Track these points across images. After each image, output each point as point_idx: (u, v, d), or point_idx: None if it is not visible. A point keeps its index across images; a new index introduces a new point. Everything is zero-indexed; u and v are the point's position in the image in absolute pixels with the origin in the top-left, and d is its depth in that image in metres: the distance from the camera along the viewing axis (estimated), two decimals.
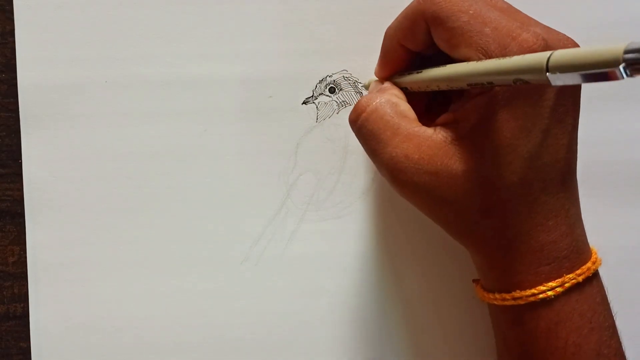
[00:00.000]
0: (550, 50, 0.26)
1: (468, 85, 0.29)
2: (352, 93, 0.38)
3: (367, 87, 0.38)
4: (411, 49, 0.33)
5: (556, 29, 0.31)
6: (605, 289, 0.33)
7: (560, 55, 0.25)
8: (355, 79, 0.38)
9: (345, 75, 0.38)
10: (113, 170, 0.38)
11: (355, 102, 0.38)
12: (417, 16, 0.31)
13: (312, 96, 0.38)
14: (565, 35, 0.31)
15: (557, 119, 0.30)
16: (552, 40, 0.29)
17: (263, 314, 0.39)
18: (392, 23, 0.33)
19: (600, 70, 0.23)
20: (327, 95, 0.38)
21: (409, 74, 0.33)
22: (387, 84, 0.34)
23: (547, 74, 0.25)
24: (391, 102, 0.32)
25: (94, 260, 0.39)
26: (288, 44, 0.38)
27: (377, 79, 0.36)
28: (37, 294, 0.39)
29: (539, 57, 0.25)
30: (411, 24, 0.31)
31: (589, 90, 0.39)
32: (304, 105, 0.38)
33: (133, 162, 0.38)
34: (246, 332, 0.39)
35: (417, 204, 0.32)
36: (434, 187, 0.30)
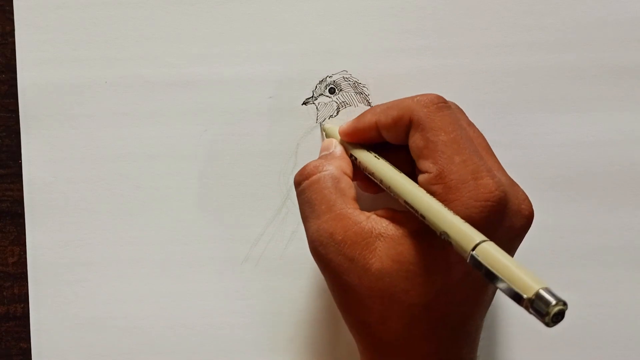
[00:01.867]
0: (504, 202, 0.29)
1: (405, 204, 0.30)
2: (352, 94, 0.38)
3: (326, 132, 0.38)
4: (383, 135, 0.33)
5: (519, 185, 0.32)
6: None
7: (489, 252, 0.26)
8: (355, 79, 0.38)
9: (345, 75, 0.38)
10: (113, 170, 0.38)
11: (355, 103, 0.38)
12: (405, 111, 0.31)
13: (312, 97, 0.38)
14: (525, 195, 0.31)
15: (463, 285, 0.30)
16: (511, 195, 0.30)
17: (263, 314, 0.39)
18: (382, 105, 0.33)
19: (512, 292, 0.25)
20: (327, 96, 0.38)
21: (367, 150, 0.34)
22: (339, 152, 0.35)
23: (470, 253, 0.26)
24: (334, 176, 0.32)
25: (94, 261, 0.39)
26: (288, 45, 0.38)
27: (336, 131, 0.36)
28: (37, 295, 0.39)
29: (470, 236, 0.27)
30: (396, 115, 0.32)
31: (588, 90, 0.39)
32: (304, 105, 0.38)
33: (133, 162, 0.38)
34: (246, 332, 0.39)
35: (327, 278, 0.32)
36: (346, 271, 0.30)
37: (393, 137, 0.32)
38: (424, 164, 0.30)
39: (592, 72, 0.39)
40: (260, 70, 0.38)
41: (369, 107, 0.38)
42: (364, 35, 0.38)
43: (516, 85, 0.39)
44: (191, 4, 0.38)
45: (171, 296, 0.39)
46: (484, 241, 0.27)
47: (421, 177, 0.30)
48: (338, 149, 0.35)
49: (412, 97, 0.32)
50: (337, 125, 0.37)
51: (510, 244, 0.31)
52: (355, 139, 0.35)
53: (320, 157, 0.35)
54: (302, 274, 0.39)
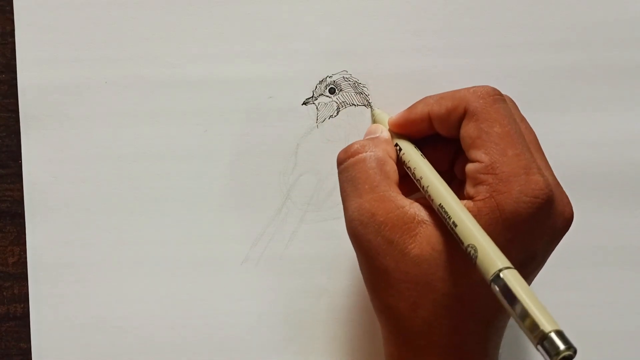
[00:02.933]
0: (552, 201, 0.29)
1: (438, 208, 0.30)
2: (352, 94, 0.38)
3: (375, 117, 0.38)
4: (434, 126, 0.33)
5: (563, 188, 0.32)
6: None
7: (511, 279, 0.26)
8: (355, 79, 0.38)
9: (345, 75, 0.38)
10: (113, 170, 0.38)
11: (355, 103, 0.38)
12: (460, 102, 0.31)
13: (312, 97, 0.38)
14: (568, 198, 0.32)
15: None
16: (557, 196, 0.30)
17: (263, 314, 0.39)
18: (434, 96, 0.33)
19: (526, 326, 0.25)
20: (327, 96, 0.38)
21: (413, 146, 0.34)
22: (386, 137, 0.34)
23: (496, 274, 0.26)
24: (380, 158, 0.32)
25: (94, 261, 0.39)
26: (288, 45, 0.38)
27: (385, 119, 0.36)
28: (37, 295, 0.39)
29: (490, 263, 0.27)
30: (451, 106, 0.32)
31: (588, 90, 0.39)
32: (304, 105, 0.38)
33: (133, 162, 0.38)
34: (246, 332, 0.39)
35: (362, 259, 0.32)
36: (383, 253, 0.30)
37: (445, 127, 0.32)
38: (476, 154, 0.30)
39: (592, 72, 0.39)
40: (260, 70, 0.38)
41: (369, 107, 0.38)
42: (364, 35, 0.38)
43: (516, 85, 0.39)
44: (191, 4, 0.38)
45: (171, 296, 0.39)
46: (509, 268, 0.26)
47: (471, 166, 0.30)
48: (385, 134, 0.35)
49: (468, 89, 0.32)
50: (386, 114, 0.36)
51: (549, 245, 0.31)
52: (405, 130, 0.34)
53: (365, 139, 0.34)
54: (302, 274, 0.39)
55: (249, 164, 0.39)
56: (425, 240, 0.30)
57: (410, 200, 0.31)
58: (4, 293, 0.39)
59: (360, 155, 0.32)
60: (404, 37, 0.38)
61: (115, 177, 0.39)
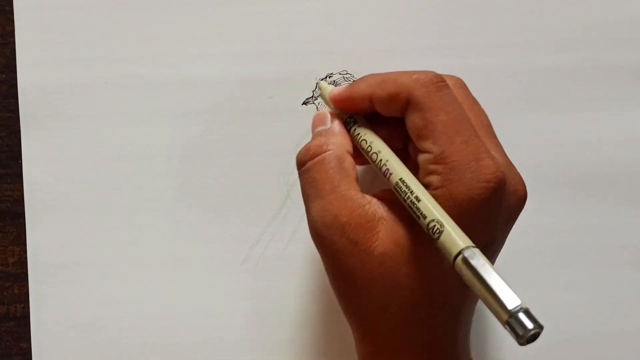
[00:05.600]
0: (504, 183, 0.29)
1: (394, 189, 0.30)
2: None
3: (321, 90, 0.36)
4: (376, 108, 0.32)
5: (515, 166, 0.32)
6: None
7: (474, 259, 0.26)
8: (354, 79, 0.38)
9: (345, 75, 0.38)
10: (113, 170, 0.38)
11: None
12: (403, 89, 0.31)
13: (312, 97, 0.38)
14: (520, 176, 0.31)
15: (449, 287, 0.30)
16: (508, 176, 0.30)
17: (263, 315, 0.39)
18: (376, 76, 0.32)
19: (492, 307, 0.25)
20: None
21: (364, 120, 0.33)
22: (338, 128, 0.34)
23: (461, 255, 0.26)
24: (338, 156, 0.32)
25: (95, 261, 0.39)
26: (288, 45, 0.38)
27: (329, 90, 0.35)
28: (37, 295, 0.39)
29: (454, 242, 0.27)
30: (393, 91, 0.31)
31: (588, 90, 0.39)
32: (304, 105, 0.39)
33: (133, 162, 0.38)
34: (246, 332, 0.39)
35: (328, 262, 0.32)
36: (348, 255, 0.30)
37: (387, 111, 0.32)
38: (424, 144, 0.30)
39: (592, 72, 0.39)
40: (260, 70, 0.38)
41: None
42: (364, 35, 0.38)
43: (516, 85, 0.39)
44: (191, 4, 0.38)
45: (171, 296, 0.39)
46: (471, 247, 0.26)
47: (421, 157, 0.30)
48: (336, 125, 0.34)
49: (409, 74, 0.31)
50: (330, 87, 0.35)
51: (506, 225, 0.31)
52: (347, 107, 0.34)
53: (320, 134, 0.34)
54: (303, 274, 0.39)
55: (249, 164, 0.39)
56: (387, 237, 0.30)
57: (368, 198, 0.31)
58: (4, 293, 0.39)
59: (319, 156, 0.32)
60: (404, 37, 0.38)
61: (115, 177, 0.39)
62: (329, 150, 0.32)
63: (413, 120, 0.30)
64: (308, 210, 0.32)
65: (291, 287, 0.39)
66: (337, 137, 0.33)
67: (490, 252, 0.31)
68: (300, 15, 0.38)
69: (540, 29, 0.39)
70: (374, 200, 0.31)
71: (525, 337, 0.24)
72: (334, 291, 0.32)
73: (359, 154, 0.33)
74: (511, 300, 0.25)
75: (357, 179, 0.32)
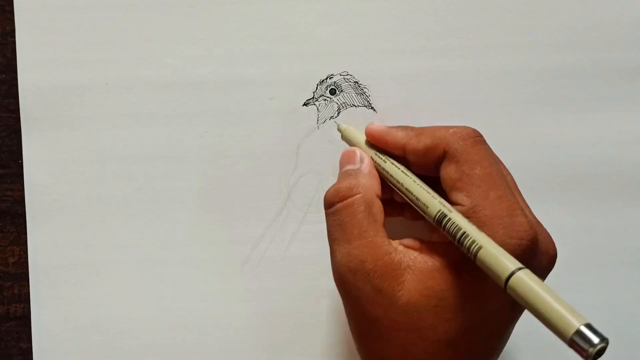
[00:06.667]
0: (536, 242, 0.29)
1: (435, 222, 0.30)
2: (353, 94, 0.38)
3: (344, 134, 0.36)
4: (407, 158, 0.33)
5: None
6: None
7: (524, 281, 0.26)
8: (355, 80, 0.38)
9: (345, 76, 0.38)
10: (113, 171, 0.38)
11: (355, 104, 0.38)
12: (440, 142, 0.31)
13: (313, 98, 0.38)
14: (550, 236, 0.32)
15: (491, 321, 0.30)
16: (540, 235, 0.30)
17: (264, 315, 0.39)
18: (414, 128, 0.33)
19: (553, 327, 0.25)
20: (328, 97, 0.38)
21: (395, 164, 0.33)
22: (367, 169, 0.33)
23: (511, 276, 0.26)
24: (367, 200, 0.32)
25: (95, 262, 0.39)
26: (288, 46, 0.38)
27: (357, 134, 0.35)
28: (38, 295, 0.39)
29: (504, 265, 0.26)
30: (430, 144, 0.31)
31: (588, 90, 0.39)
32: (304, 106, 0.38)
33: (133, 163, 0.38)
34: (247, 333, 0.39)
35: (351, 307, 0.31)
36: (372, 302, 0.30)
37: (419, 163, 0.32)
38: (457, 196, 0.30)
39: (592, 72, 0.39)
40: (260, 72, 0.38)
41: (370, 108, 0.38)
42: (365, 36, 0.38)
43: (516, 85, 0.39)
44: (191, 5, 0.38)
45: (172, 297, 0.39)
46: (522, 268, 0.26)
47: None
48: (365, 165, 0.34)
49: (447, 128, 0.31)
50: (352, 126, 0.36)
51: None
52: (381, 145, 0.34)
53: (349, 175, 0.33)
54: (303, 276, 0.39)
55: (249, 165, 0.39)
56: (412, 287, 0.29)
57: (394, 245, 0.31)
58: (4, 293, 0.39)
59: (348, 199, 0.32)
60: (404, 37, 0.38)
61: (115, 178, 0.38)
62: (358, 194, 0.32)
63: (448, 172, 0.31)
64: (333, 252, 0.32)
65: (292, 288, 0.39)
66: (366, 178, 0.33)
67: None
68: (301, 16, 0.38)
69: (541, 30, 0.39)
70: (400, 247, 0.31)
71: (592, 354, 0.24)
72: (352, 334, 0.32)
73: (388, 188, 0.33)
74: (573, 318, 0.24)
75: (384, 225, 0.32)
